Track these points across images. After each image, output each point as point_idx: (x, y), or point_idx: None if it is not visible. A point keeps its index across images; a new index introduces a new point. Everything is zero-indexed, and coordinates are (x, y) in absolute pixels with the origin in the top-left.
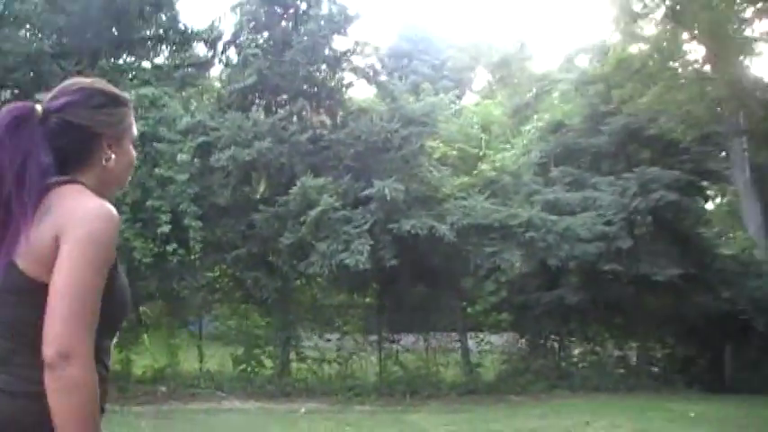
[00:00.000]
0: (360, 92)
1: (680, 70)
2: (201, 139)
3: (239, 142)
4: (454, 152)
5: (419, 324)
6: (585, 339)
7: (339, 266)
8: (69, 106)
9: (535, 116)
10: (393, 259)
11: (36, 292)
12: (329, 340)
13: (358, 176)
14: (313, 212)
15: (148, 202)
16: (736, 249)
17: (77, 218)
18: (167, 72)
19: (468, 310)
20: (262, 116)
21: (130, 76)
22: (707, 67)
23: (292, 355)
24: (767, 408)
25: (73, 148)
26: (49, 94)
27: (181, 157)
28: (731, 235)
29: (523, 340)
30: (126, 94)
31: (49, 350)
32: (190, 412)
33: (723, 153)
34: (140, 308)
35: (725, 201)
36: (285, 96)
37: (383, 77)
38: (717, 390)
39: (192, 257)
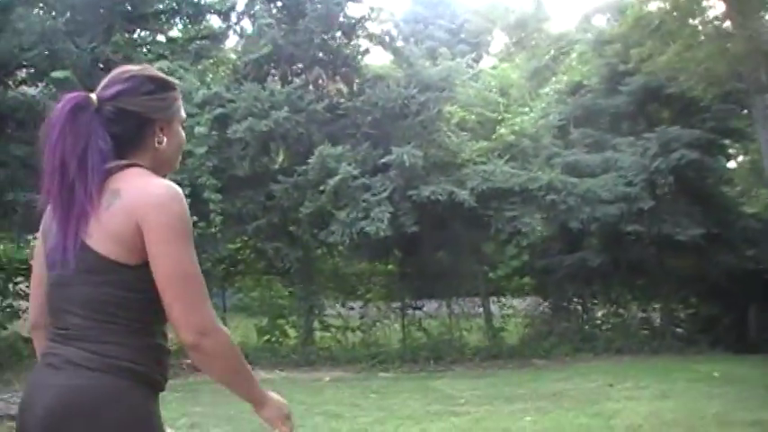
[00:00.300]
0: (376, 58)
1: (699, 28)
2: (218, 111)
3: (256, 113)
4: (472, 117)
5: (441, 290)
6: (608, 301)
7: (360, 234)
8: (122, 94)
9: (553, 78)
10: (413, 226)
11: (115, 272)
12: (352, 308)
13: (376, 144)
14: (332, 181)
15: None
16: (760, 208)
17: (155, 204)
18: (182, 45)
19: (490, 274)
20: (278, 86)
21: (145, 50)
22: (727, 24)
23: (316, 324)
24: None
25: (127, 133)
26: (102, 83)
27: (198, 129)
28: (754, 193)
29: (546, 304)
30: (173, 79)
31: (188, 336)
32: (215, 384)
33: (745, 111)
34: None
35: (747, 159)
36: (300, 65)
37: (399, 43)
38: (741, 349)
39: (213, 230)
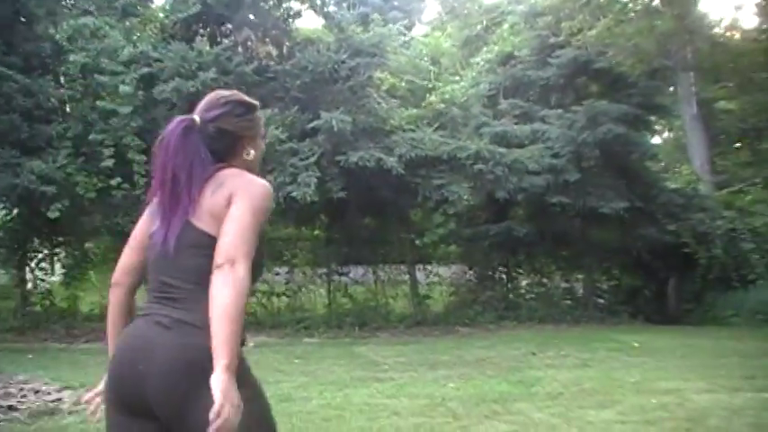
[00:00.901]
0: (307, 22)
1: (630, 4)
2: (144, 70)
3: (183, 73)
4: (403, 84)
5: (368, 256)
6: (533, 271)
7: (287, 199)
8: (220, 117)
9: (485, 48)
10: (341, 192)
11: (213, 245)
12: (278, 273)
13: (305, 108)
14: None
15: (91, 136)
16: (682, 183)
17: (246, 184)
18: (108, 1)
19: (417, 242)
20: (206, 47)
21: (69, 5)
22: (656, 2)
23: None
24: (708, 338)
25: (224, 148)
26: (201, 106)
27: (123, 88)
28: (677, 169)
29: (472, 272)
30: (255, 102)
31: (220, 258)
32: None
33: (671, 88)
34: (85, 244)
35: (671, 135)
36: (230, 26)
37: (331, 8)
38: (660, 321)
39: (137, 192)
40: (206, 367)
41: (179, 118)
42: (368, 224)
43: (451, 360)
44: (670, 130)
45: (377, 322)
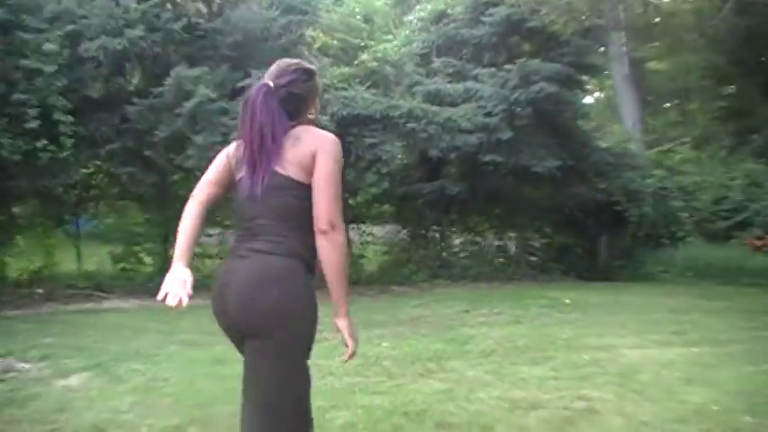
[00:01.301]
0: None
1: None
2: (69, 27)
3: (110, 31)
4: (335, 42)
5: None
6: (466, 230)
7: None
8: (291, 83)
9: (417, 6)
10: None
11: (296, 188)
12: (210, 235)
13: (235, 67)
14: (189, 104)
15: (14, 96)
16: (613, 142)
17: (325, 141)
18: None
19: (350, 201)
20: (133, 3)
21: None
22: None
23: (172, 252)
24: (638, 294)
25: (294, 109)
26: (272, 73)
27: (47, 46)
28: (608, 128)
29: (405, 231)
30: (315, 68)
31: (322, 223)
32: (68, 313)
33: (603, 48)
34: (12, 208)
35: (603, 95)
36: None
37: None
38: (591, 278)
39: (64, 154)
40: (276, 278)
41: (260, 83)
42: None
43: (386, 319)
44: (602, 90)
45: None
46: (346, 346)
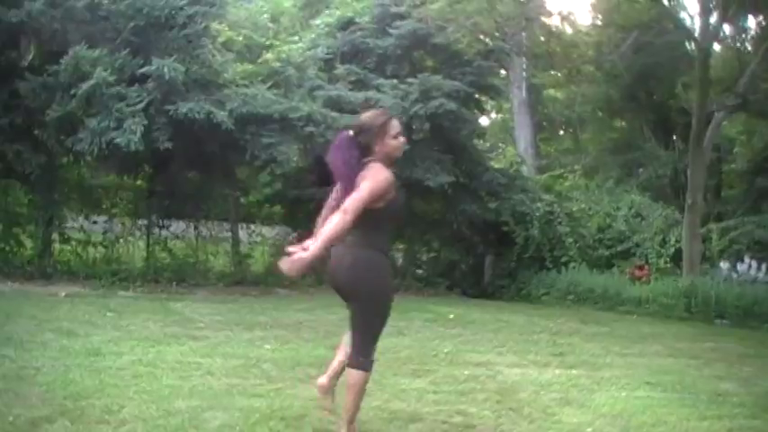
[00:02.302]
0: None
1: None
2: None
3: (6, 1)
4: (240, 39)
5: (190, 211)
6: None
7: (110, 145)
8: (361, 134)
9: (326, 11)
10: (167, 142)
11: (367, 209)
12: (96, 222)
13: (136, 52)
14: (85, 86)
15: None
16: (506, 164)
17: (374, 173)
18: None
19: (242, 200)
20: None
21: None
22: None
23: (55, 236)
24: (520, 314)
25: (365, 149)
26: (355, 126)
27: None
28: (501, 150)
29: (295, 234)
30: (385, 117)
31: (342, 206)
32: None
33: (503, 71)
34: None
35: (500, 116)
36: None
37: None
38: (475, 295)
39: None
40: (366, 262)
41: (344, 133)
42: (192, 178)
43: (269, 321)
44: (498, 112)
45: (195, 279)
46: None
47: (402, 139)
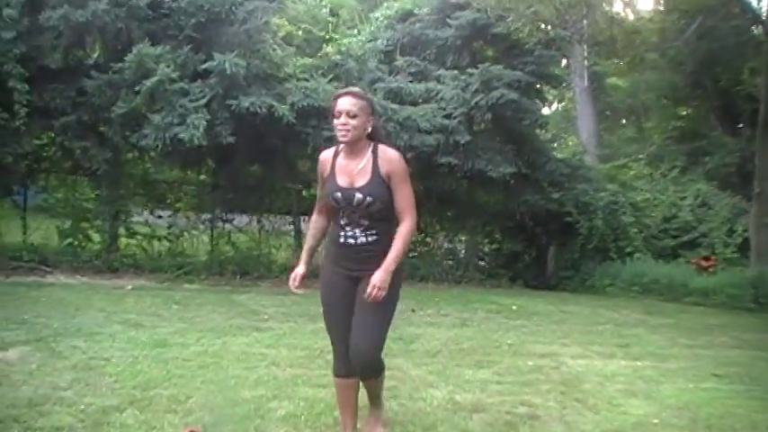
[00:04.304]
0: None
1: None
2: None
3: (73, 1)
4: (300, 32)
5: (253, 205)
6: (417, 229)
7: (174, 140)
8: None
9: (385, 4)
10: (230, 137)
11: None
12: (160, 217)
13: (198, 48)
14: (149, 82)
15: None
16: (568, 153)
17: None
18: None
19: (304, 193)
20: None
21: None
22: None
23: (121, 231)
24: (584, 305)
25: None
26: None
27: (7, 12)
28: (564, 139)
29: None
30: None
31: None
32: (10, 286)
33: (565, 60)
34: None
35: (562, 106)
36: None
37: None
38: (538, 286)
39: (17, 123)
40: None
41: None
42: (254, 172)
43: None
44: (560, 101)
45: (258, 271)
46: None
47: (337, 120)
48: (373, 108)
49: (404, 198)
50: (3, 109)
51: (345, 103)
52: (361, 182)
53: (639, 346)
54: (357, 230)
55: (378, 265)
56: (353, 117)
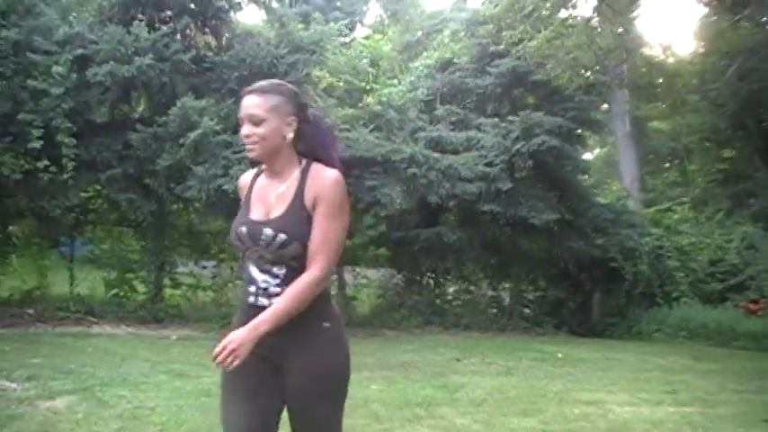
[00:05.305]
0: (248, 17)
1: (570, 19)
2: (79, 51)
3: (119, 57)
4: (341, 84)
5: None
6: (461, 278)
7: (217, 191)
8: None
9: (424, 53)
10: None
11: None
12: (205, 267)
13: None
14: (192, 135)
15: (20, 116)
16: (611, 199)
17: None
18: None
19: (346, 243)
20: (144, 32)
21: None
22: (594, 20)
23: (166, 281)
24: (630, 352)
25: None
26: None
27: (56, 69)
28: (607, 185)
29: (400, 276)
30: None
31: None
32: (58, 336)
33: (605, 105)
34: (8, 227)
35: (603, 151)
36: (169, 13)
37: (273, 3)
38: (584, 333)
39: (65, 176)
40: None
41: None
42: None
43: (376, 362)
44: (602, 147)
45: None
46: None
47: (242, 130)
48: (300, 105)
49: (322, 235)
50: (51, 163)
51: (247, 106)
52: (277, 212)
53: (687, 392)
54: (271, 284)
55: (312, 340)
56: (259, 123)
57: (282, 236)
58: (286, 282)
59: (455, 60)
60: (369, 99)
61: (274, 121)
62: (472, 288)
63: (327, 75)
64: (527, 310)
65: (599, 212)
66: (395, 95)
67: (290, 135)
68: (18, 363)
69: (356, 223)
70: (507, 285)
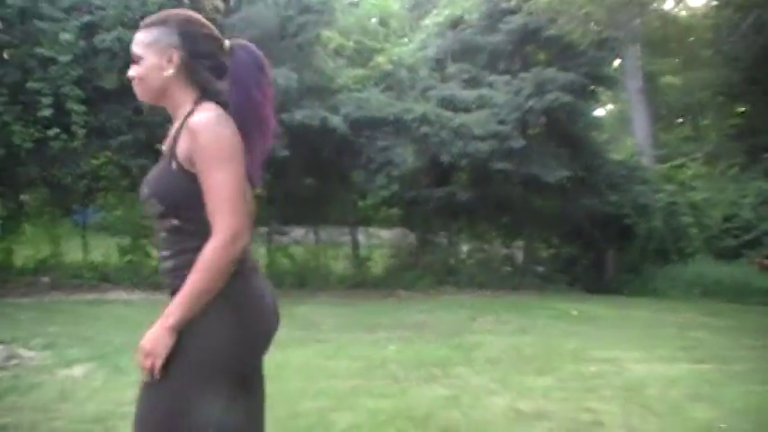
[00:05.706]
0: None
1: None
2: (86, 18)
3: (126, 23)
4: (350, 44)
5: (309, 217)
6: (474, 237)
7: None
8: None
9: (434, 11)
10: (284, 150)
11: None
12: None
13: None
14: None
15: (28, 84)
16: (625, 155)
17: None
18: None
19: (359, 203)
20: None
21: None
22: None
23: None
24: (645, 309)
25: None
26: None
27: (63, 36)
28: (620, 141)
29: (413, 236)
30: None
31: None
32: (72, 303)
33: (618, 60)
34: (21, 196)
35: (616, 107)
36: None
37: None
38: (597, 290)
39: (75, 143)
40: None
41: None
42: (310, 184)
43: (391, 323)
44: (615, 103)
45: (316, 283)
46: None
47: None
48: (187, 34)
49: (210, 192)
50: (62, 130)
51: (132, 45)
52: (156, 167)
53: (703, 348)
54: (163, 255)
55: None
56: (138, 62)
57: (146, 190)
58: (174, 254)
59: (465, 17)
60: (379, 59)
61: (151, 58)
62: (485, 247)
63: (337, 35)
64: (540, 268)
65: (612, 169)
66: (405, 54)
67: (170, 72)
68: (35, 331)
69: (368, 184)
70: (520, 243)
